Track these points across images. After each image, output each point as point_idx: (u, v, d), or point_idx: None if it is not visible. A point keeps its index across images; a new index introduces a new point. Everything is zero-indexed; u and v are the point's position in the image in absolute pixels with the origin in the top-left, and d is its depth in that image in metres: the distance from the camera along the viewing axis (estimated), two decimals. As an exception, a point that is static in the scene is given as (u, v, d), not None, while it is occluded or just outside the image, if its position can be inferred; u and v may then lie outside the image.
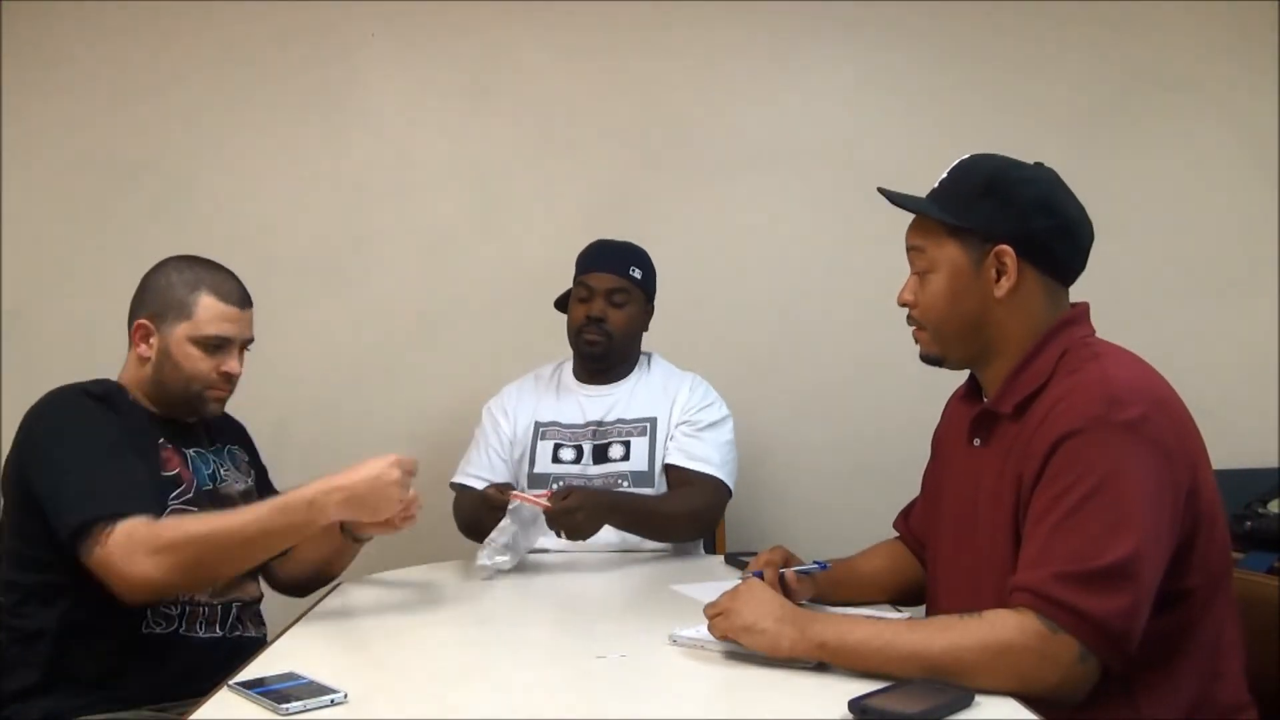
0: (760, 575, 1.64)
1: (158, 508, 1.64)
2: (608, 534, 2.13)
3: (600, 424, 2.36)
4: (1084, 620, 1.25)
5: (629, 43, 2.90)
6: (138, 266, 2.77)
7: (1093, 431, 1.30)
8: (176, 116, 2.85)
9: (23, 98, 2.83)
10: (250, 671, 1.37)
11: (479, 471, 2.35)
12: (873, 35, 2.93)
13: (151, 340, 1.77)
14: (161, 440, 1.77)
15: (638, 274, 2.39)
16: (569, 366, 2.47)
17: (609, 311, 2.35)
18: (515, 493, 2.03)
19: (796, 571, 1.68)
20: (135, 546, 1.53)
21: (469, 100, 2.90)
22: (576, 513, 2.01)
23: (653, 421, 2.36)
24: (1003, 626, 1.27)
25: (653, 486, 2.30)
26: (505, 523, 1.99)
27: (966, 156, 1.50)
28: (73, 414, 1.69)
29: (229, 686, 1.31)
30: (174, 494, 1.73)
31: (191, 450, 1.83)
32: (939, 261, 1.46)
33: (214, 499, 1.79)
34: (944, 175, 1.50)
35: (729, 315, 2.89)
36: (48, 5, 2.83)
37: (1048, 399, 1.38)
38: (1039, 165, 1.49)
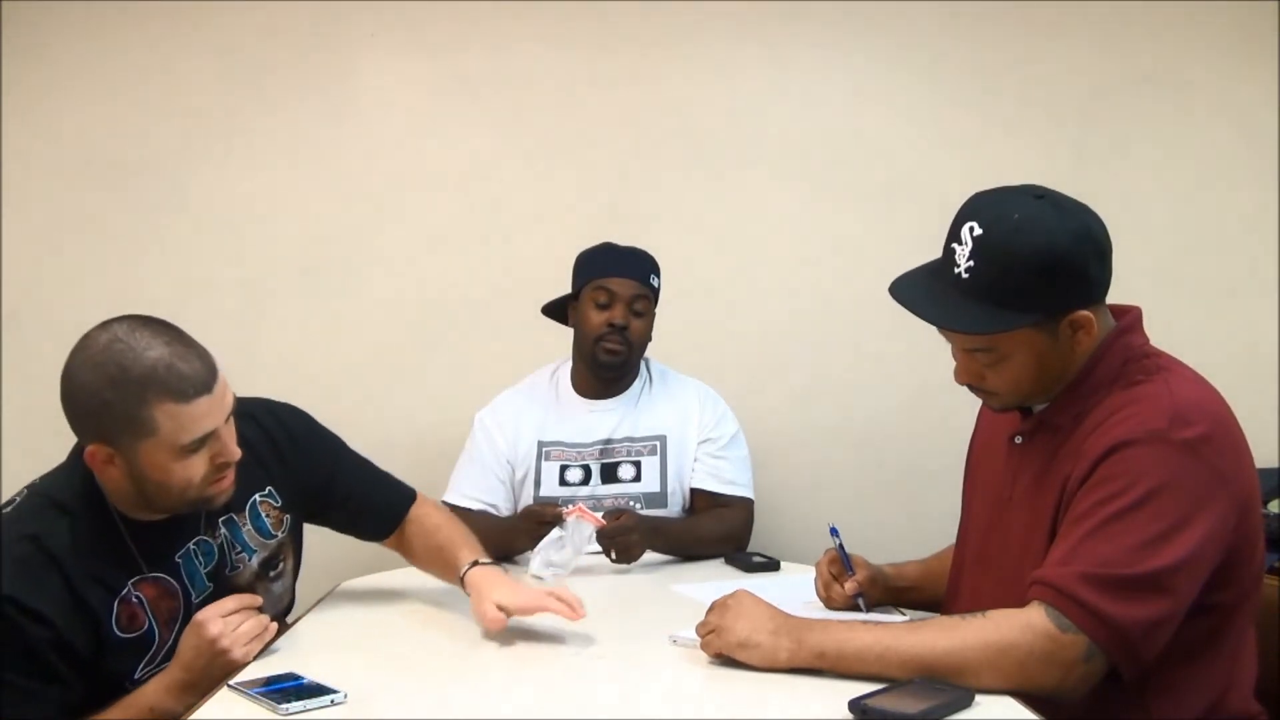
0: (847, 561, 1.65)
1: None
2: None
3: (608, 442, 2.29)
4: (1101, 623, 1.24)
5: (630, 43, 2.90)
6: (137, 266, 2.81)
7: (1151, 444, 1.29)
8: (176, 116, 2.85)
9: (23, 98, 2.83)
10: (250, 671, 1.37)
11: (476, 492, 2.27)
12: (874, 35, 2.92)
13: (117, 463, 1.43)
14: (131, 585, 1.49)
15: (656, 282, 2.32)
16: (566, 375, 2.38)
17: (630, 320, 2.25)
18: (579, 506, 1.99)
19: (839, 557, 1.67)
20: None
21: (468, 100, 2.90)
22: (631, 533, 2.02)
23: (663, 440, 2.31)
24: (1007, 626, 1.27)
25: (665, 507, 2.27)
26: (557, 534, 1.95)
27: (980, 231, 1.34)
28: None
29: (229, 686, 1.32)
30: (142, 662, 1.50)
31: (192, 543, 1.57)
32: (1013, 351, 1.39)
33: (216, 597, 1.55)
34: (968, 261, 1.35)
35: (730, 315, 2.89)
36: (48, 5, 2.82)
37: (1106, 406, 1.37)
38: (1048, 201, 1.38)
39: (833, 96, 2.93)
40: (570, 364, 2.39)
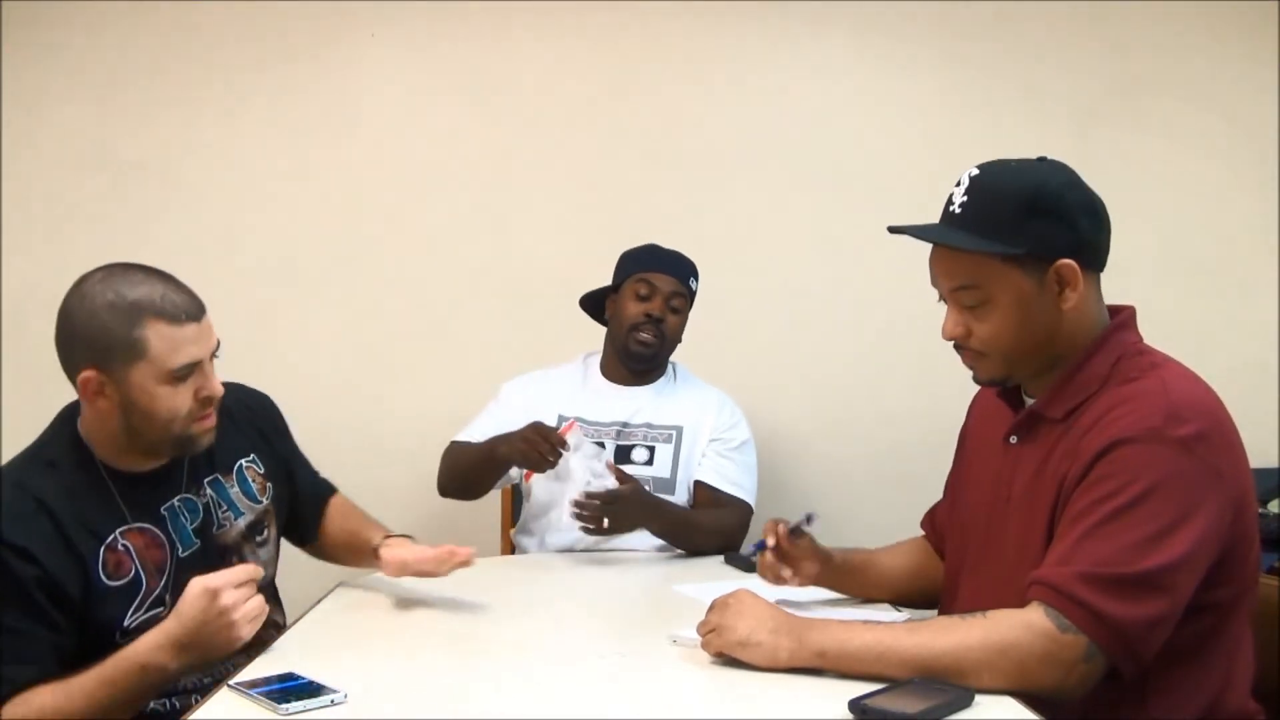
0: (764, 545, 1.66)
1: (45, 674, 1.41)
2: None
3: (626, 425, 2.34)
4: (1101, 623, 1.24)
5: (630, 42, 2.90)
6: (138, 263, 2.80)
7: (1147, 442, 1.29)
8: (176, 116, 2.85)
9: (23, 94, 2.83)
10: (250, 671, 1.37)
11: (481, 437, 2.28)
12: (875, 34, 2.93)
13: (107, 392, 1.47)
14: (119, 533, 1.52)
15: (694, 285, 2.40)
16: (596, 362, 2.45)
17: (667, 315, 2.34)
18: (571, 422, 2.12)
19: (789, 528, 1.67)
20: None
21: (469, 99, 2.90)
22: (623, 504, 2.07)
23: (679, 430, 2.35)
24: (1007, 626, 1.27)
25: (672, 495, 2.30)
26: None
27: (977, 172, 1.41)
28: None
29: (229, 686, 1.31)
30: (131, 609, 1.51)
31: (176, 500, 1.59)
32: (998, 293, 1.39)
33: (204, 559, 1.57)
34: (962, 198, 1.40)
35: (732, 314, 2.89)
36: (48, 5, 2.83)
37: (1101, 404, 1.37)
38: (1048, 161, 1.44)
39: (836, 97, 2.94)
40: (602, 354, 2.45)
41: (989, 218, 1.38)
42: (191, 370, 1.50)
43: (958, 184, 1.43)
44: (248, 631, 1.42)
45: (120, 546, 1.51)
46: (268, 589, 1.75)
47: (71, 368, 1.49)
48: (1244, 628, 1.40)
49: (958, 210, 1.41)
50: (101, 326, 1.45)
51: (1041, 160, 1.44)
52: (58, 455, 1.53)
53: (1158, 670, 1.30)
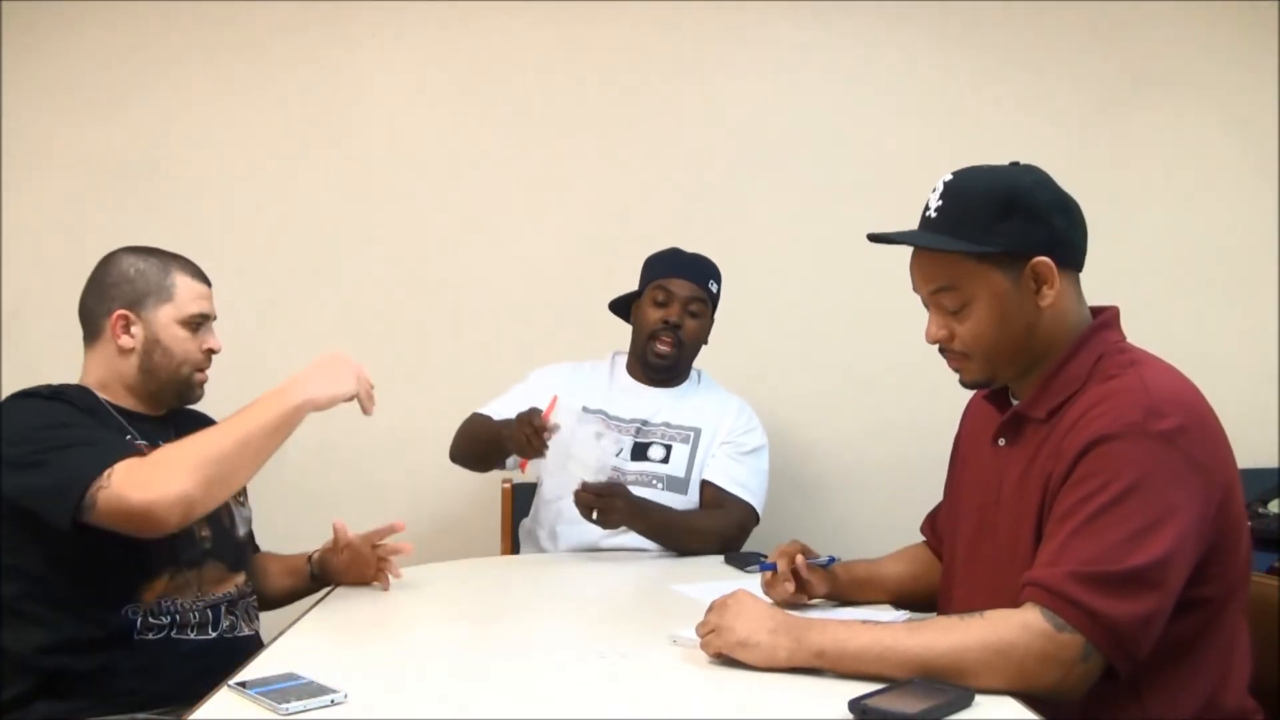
0: (774, 567, 1.68)
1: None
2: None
3: (646, 423, 2.37)
4: (1095, 621, 1.24)
5: (631, 42, 2.90)
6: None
7: (1128, 438, 1.30)
8: (176, 116, 2.86)
9: (23, 98, 2.83)
10: (250, 671, 1.37)
11: (501, 414, 2.30)
12: (877, 34, 2.93)
13: (134, 330, 1.73)
14: (130, 437, 1.70)
15: (714, 288, 2.42)
16: (623, 362, 2.48)
17: (685, 320, 2.36)
18: (553, 399, 2.13)
19: (810, 563, 1.69)
20: (139, 475, 1.50)
21: (469, 99, 2.90)
22: (616, 499, 2.09)
23: (697, 432, 2.37)
24: (1005, 626, 1.27)
25: (685, 494, 2.31)
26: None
27: (950, 177, 1.44)
28: (20, 414, 1.61)
29: (229, 686, 1.31)
30: None
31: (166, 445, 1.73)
32: (976, 293, 1.41)
33: None
34: (937, 203, 1.43)
35: (735, 315, 2.88)
36: (48, 5, 2.83)
37: (1082, 403, 1.37)
38: (1019, 165, 1.47)
39: (837, 98, 2.95)
40: (628, 355, 2.48)
41: (963, 220, 1.40)
42: (202, 323, 1.79)
43: (934, 190, 1.45)
44: (354, 386, 1.67)
45: (138, 443, 1.69)
46: (245, 547, 1.87)
47: (101, 313, 1.74)
48: (1238, 625, 1.40)
49: (933, 215, 1.43)
50: (139, 272, 1.74)
51: (1014, 164, 1.47)
52: (62, 390, 1.71)
53: (1152, 668, 1.30)
